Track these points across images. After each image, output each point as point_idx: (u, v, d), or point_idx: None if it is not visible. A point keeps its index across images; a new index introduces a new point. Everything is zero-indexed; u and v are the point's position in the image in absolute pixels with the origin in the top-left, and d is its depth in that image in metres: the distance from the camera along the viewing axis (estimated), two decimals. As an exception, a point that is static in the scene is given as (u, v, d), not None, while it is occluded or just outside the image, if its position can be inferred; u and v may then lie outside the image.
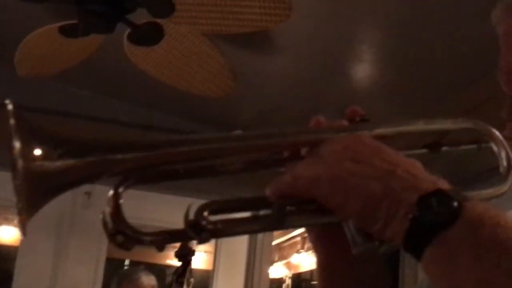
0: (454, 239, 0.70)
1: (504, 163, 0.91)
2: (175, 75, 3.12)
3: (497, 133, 0.93)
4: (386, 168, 0.76)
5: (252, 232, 0.85)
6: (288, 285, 5.69)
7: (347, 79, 3.57)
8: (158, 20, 2.75)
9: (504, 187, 0.89)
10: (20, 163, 0.71)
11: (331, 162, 0.78)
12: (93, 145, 0.80)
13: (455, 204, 0.70)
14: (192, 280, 3.74)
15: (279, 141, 0.86)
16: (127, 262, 5.96)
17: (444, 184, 0.75)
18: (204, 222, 0.80)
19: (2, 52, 3.38)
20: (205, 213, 0.81)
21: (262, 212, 0.83)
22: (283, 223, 0.82)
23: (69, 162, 0.76)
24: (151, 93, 3.83)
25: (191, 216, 0.79)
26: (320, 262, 1.02)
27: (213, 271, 4.93)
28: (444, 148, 0.97)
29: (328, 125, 0.88)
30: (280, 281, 5.62)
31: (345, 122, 0.89)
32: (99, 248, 4.51)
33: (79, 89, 4.28)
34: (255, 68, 3.50)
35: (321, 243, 1.00)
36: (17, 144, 0.71)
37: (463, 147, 0.98)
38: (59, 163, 0.75)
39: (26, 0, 2.67)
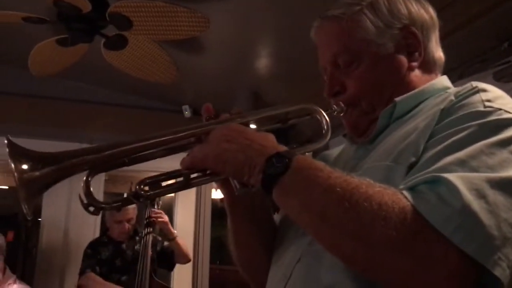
0: (286, 181, 0.76)
1: (324, 126, 0.98)
2: (137, 69, 3.16)
3: (318, 108, 1.00)
4: (247, 143, 0.81)
5: (173, 192, 0.94)
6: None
7: (252, 69, 3.56)
8: (123, 32, 2.81)
9: (324, 141, 0.96)
10: (16, 175, 0.75)
11: (214, 144, 0.84)
12: (63, 155, 0.82)
13: (286, 160, 0.76)
14: (160, 202, 3.81)
15: (186, 134, 0.91)
16: (125, 194, 5.66)
17: (282, 148, 0.81)
18: (141, 192, 0.86)
19: (19, 59, 3.35)
20: (142, 186, 0.87)
21: (177, 179, 0.90)
22: (190, 184, 0.90)
23: (50, 169, 0.79)
24: (123, 82, 3.82)
25: (133, 188, 0.87)
26: (226, 200, 1.07)
27: (175, 196, 4.86)
28: (291, 121, 1.02)
29: (217, 119, 0.93)
30: (223, 201, 5.67)
31: (227, 115, 0.94)
32: (98, 184, 4.43)
33: (75, 81, 4.26)
34: (191, 63, 3.52)
35: (224, 189, 1.04)
36: (13, 164, 0.75)
37: (302, 118, 1.03)
38: (43, 171, 0.78)
39: (32, 22, 2.69)
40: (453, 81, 1.05)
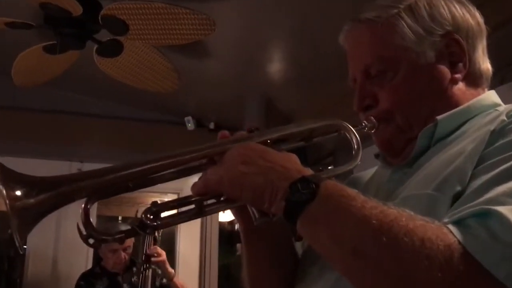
0: (313, 211, 0.74)
1: (354, 146, 0.95)
2: (134, 77, 3.23)
3: (347, 125, 0.97)
4: (267, 166, 0.80)
5: (183, 221, 0.90)
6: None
7: (263, 74, 3.66)
8: (118, 37, 2.85)
9: (355, 163, 0.93)
10: (8, 203, 0.73)
11: (229, 166, 0.82)
12: (61, 180, 0.81)
13: (313, 185, 0.74)
14: (160, 231, 3.78)
15: (197, 155, 0.89)
16: (120, 218, 5.69)
17: (307, 172, 0.79)
18: (147, 222, 0.83)
19: (2, 68, 3.40)
20: (148, 214, 0.84)
21: (189, 207, 0.88)
22: (203, 213, 0.88)
23: (46, 195, 0.78)
24: (119, 92, 3.90)
25: (139, 215, 0.85)
26: (241, 229, 1.05)
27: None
28: (316, 139, 1.00)
29: (231, 138, 0.92)
30: (232, 223, 5.67)
31: (244, 132, 0.93)
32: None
33: (64, 92, 4.31)
34: (195, 69, 3.56)
35: (239, 217, 1.02)
36: (4, 190, 0.74)
37: (329, 135, 1.01)
38: (39, 198, 0.77)
39: (17, 28, 2.73)
40: (494, 86, 1.04)
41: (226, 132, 0.95)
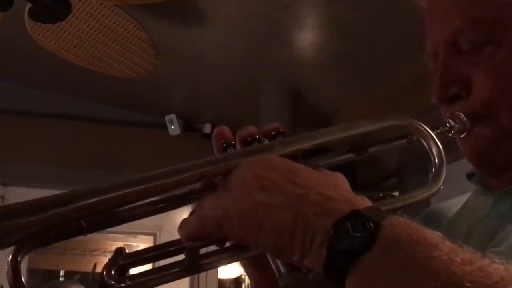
0: (372, 265, 0.73)
1: (435, 160, 0.96)
2: (89, 54, 3.23)
3: (423, 126, 0.99)
4: (297, 193, 0.79)
5: (166, 282, 0.86)
6: (247, 284, 5.76)
7: (287, 50, 3.65)
8: (62, -8, 2.84)
9: (437, 185, 0.94)
10: None
11: (240, 194, 0.81)
12: None
13: (371, 226, 0.73)
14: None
15: (188, 176, 0.88)
16: (62, 272, 5.89)
17: (361, 202, 0.78)
18: (112, 282, 0.82)
19: None
20: (113, 271, 0.83)
21: (175, 259, 0.86)
22: (198, 267, 0.85)
23: None
24: (64, 77, 3.91)
25: (100, 270, 0.82)
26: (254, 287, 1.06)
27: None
28: (372, 149, 1.01)
29: (242, 149, 0.93)
30: (238, 281, 5.68)
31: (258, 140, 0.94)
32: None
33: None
34: (184, 41, 3.57)
35: (254, 272, 1.03)
36: None
37: (392, 143, 1.02)
38: None
39: None
40: None
41: (225, 129, 0.95)
